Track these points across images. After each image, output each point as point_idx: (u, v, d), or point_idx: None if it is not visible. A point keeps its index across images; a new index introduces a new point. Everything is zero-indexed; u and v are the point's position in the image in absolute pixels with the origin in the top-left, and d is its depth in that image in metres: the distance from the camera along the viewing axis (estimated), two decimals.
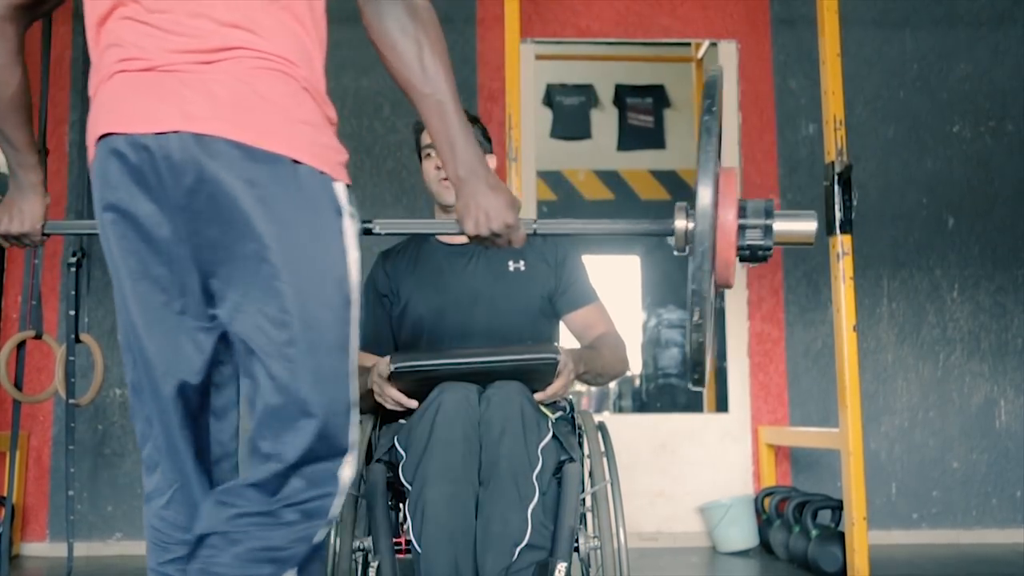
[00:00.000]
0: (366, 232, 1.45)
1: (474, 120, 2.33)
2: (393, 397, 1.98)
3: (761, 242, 1.45)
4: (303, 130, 1.28)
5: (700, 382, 1.44)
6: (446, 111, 1.39)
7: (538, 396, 1.92)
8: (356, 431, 1.30)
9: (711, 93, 1.33)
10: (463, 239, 2.22)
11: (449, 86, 1.39)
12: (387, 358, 1.96)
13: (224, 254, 1.24)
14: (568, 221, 1.73)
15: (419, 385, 1.93)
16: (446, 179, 2.22)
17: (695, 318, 1.33)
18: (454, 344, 2.15)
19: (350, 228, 1.30)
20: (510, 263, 2.21)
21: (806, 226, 1.48)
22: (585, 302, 2.24)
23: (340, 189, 1.30)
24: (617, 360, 2.20)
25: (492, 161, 2.29)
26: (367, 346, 2.18)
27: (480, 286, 2.18)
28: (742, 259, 1.47)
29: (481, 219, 1.45)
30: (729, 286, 1.48)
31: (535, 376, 1.91)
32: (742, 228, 1.44)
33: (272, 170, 1.23)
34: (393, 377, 1.94)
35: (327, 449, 1.25)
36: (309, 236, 1.25)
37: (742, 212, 1.44)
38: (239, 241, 1.23)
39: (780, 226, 1.45)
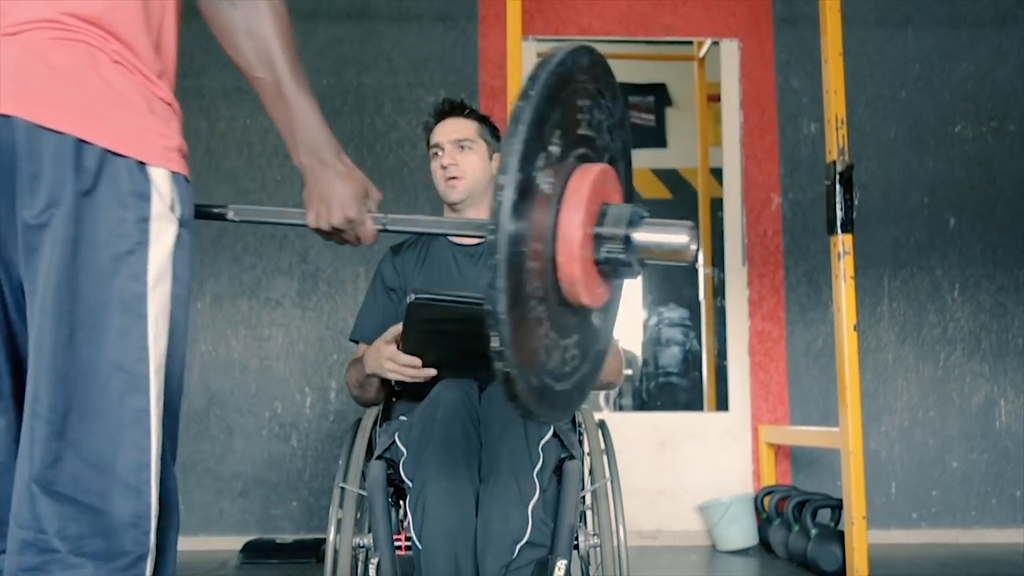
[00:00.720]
0: (219, 218, 1.34)
1: (483, 118, 2.33)
2: (399, 360, 1.96)
3: (621, 256, 1.22)
4: (100, 106, 1.12)
5: (527, 414, 1.20)
6: (283, 92, 1.25)
7: None
8: None
9: (534, 75, 1.12)
10: (474, 240, 2.24)
11: (286, 64, 1.24)
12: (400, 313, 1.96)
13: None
14: (418, 218, 1.74)
15: (436, 334, 1.92)
16: (452, 178, 2.24)
17: (493, 343, 1.08)
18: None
19: (162, 220, 1.15)
20: None
21: (673, 238, 1.24)
22: None
23: (159, 176, 1.15)
24: (615, 371, 2.19)
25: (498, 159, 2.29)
26: (372, 339, 2.19)
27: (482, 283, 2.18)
28: (605, 275, 1.25)
29: (322, 211, 1.32)
30: (590, 305, 1.24)
31: None
32: (599, 238, 1.21)
33: (55, 150, 1.09)
34: (410, 318, 1.90)
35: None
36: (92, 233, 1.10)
37: (601, 219, 1.22)
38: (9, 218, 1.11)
39: (643, 237, 1.22)
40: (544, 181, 1.15)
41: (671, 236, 1.24)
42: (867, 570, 3.06)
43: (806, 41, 4.23)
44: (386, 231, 1.40)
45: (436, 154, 2.29)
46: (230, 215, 1.36)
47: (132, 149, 1.13)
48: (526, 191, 1.11)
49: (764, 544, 3.81)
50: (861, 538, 3.06)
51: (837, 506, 3.43)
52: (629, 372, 6.78)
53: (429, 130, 2.32)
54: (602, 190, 1.23)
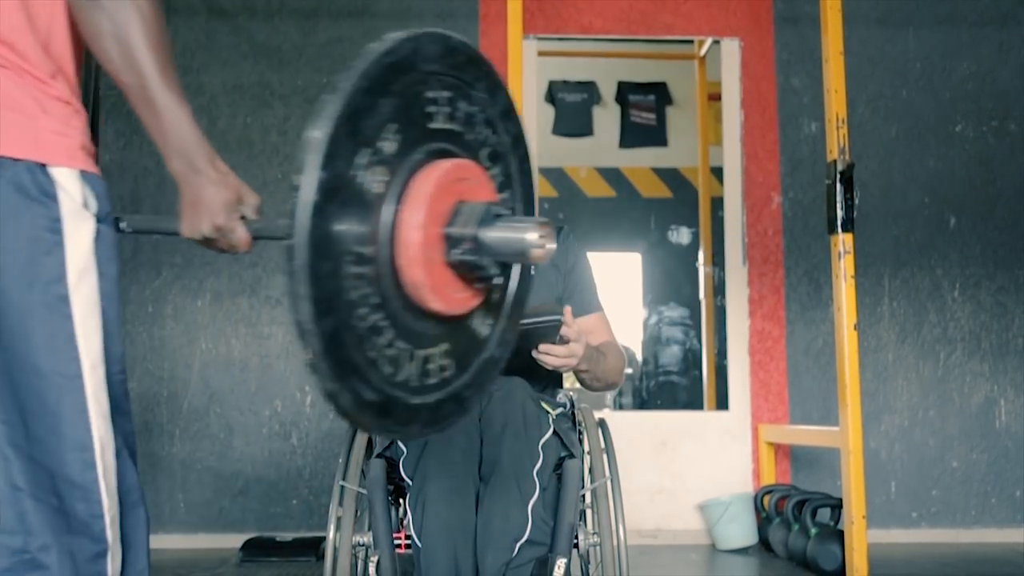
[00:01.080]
0: (116, 229, 1.29)
1: None
2: None
3: (472, 258, 1.13)
4: None
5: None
6: (150, 96, 1.19)
7: (543, 350, 1.90)
8: None
9: (350, 67, 1.04)
10: None
11: (153, 67, 1.18)
12: None
13: None
14: (283, 222, 1.60)
15: None
16: None
17: (307, 355, 1.00)
18: None
19: (76, 219, 1.12)
20: None
21: (518, 236, 1.14)
22: (589, 311, 2.22)
23: (63, 175, 1.12)
24: (617, 370, 2.18)
25: None
26: None
27: None
28: (469, 279, 1.16)
29: (193, 219, 1.25)
30: (446, 312, 1.15)
31: (541, 338, 1.87)
32: (450, 239, 1.12)
33: None
34: None
35: None
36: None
37: (453, 219, 1.13)
38: None
39: (491, 236, 1.13)
40: (372, 180, 1.07)
41: (517, 233, 1.14)
42: (867, 569, 3.06)
43: (807, 40, 4.23)
44: (259, 238, 1.31)
45: None
46: (122, 226, 1.31)
47: (29, 152, 1.11)
48: (339, 191, 1.03)
49: (764, 543, 3.81)
50: (861, 537, 3.06)
51: (837, 505, 3.43)
52: (630, 371, 6.77)
53: None
54: (457, 188, 1.14)
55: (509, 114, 1.30)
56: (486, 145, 1.26)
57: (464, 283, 1.16)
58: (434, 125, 1.16)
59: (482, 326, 1.27)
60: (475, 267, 1.14)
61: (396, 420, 1.13)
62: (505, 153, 1.30)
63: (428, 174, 1.11)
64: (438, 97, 1.16)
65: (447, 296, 1.14)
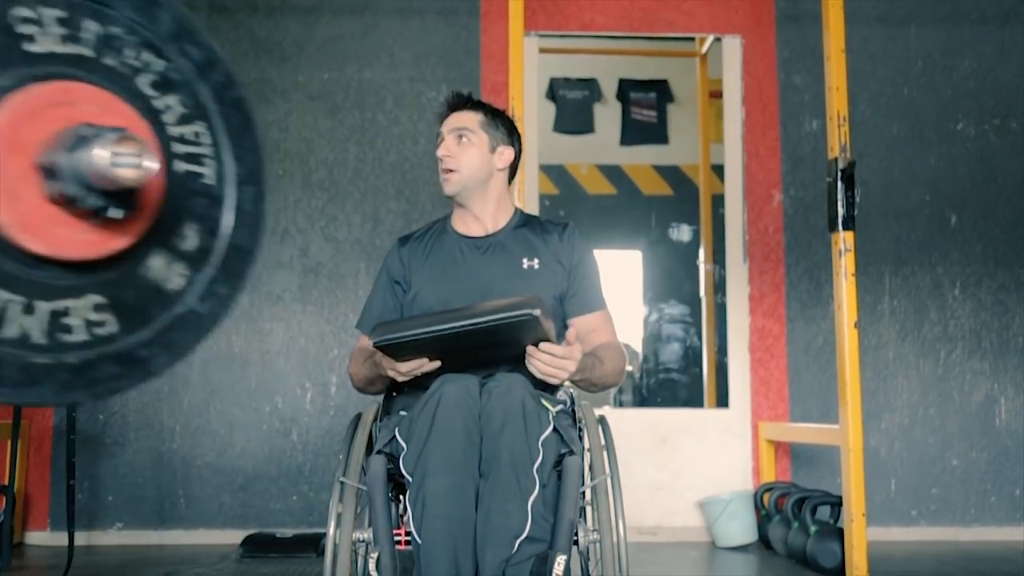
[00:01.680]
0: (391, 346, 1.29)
1: (490, 110, 2.30)
2: (401, 371, 1.97)
3: (71, 191, 1.01)
4: None
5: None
6: None
7: (531, 352, 1.91)
8: None
9: None
10: (481, 231, 2.23)
11: None
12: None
13: None
14: None
15: (416, 350, 1.93)
16: (447, 170, 2.22)
17: None
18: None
19: None
20: (524, 261, 2.21)
21: (90, 155, 0.99)
22: (592, 308, 2.22)
23: None
24: (615, 372, 2.18)
25: (509, 153, 2.27)
26: (367, 327, 2.23)
27: (492, 280, 2.16)
28: (80, 216, 1.03)
29: None
30: (55, 255, 1.02)
31: (519, 332, 1.88)
32: (45, 170, 1.01)
33: None
34: (382, 352, 1.94)
35: None
36: None
37: (50, 147, 1.01)
38: None
39: (71, 160, 0.99)
40: None
41: (88, 153, 0.99)
42: (866, 567, 3.06)
43: (808, 38, 4.23)
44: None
45: (440, 141, 2.27)
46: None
47: None
48: None
49: (763, 541, 3.81)
50: (860, 535, 3.06)
51: (837, 503, 3.43)
52: (631, 368, 6.78)
53: (442, 119, 2.31)
54: (60, 113, 1.01)
55: (183, 36, 1.15)
56: (146, 72, 1.13)
57: (82, 221, 1.02)
58: (34, 48, 1.03)
59: (168, 276, 1.13)
60: (74, 200, 1.00)
61: (18, 383, 1.00)
62: (185, 81, 1.17)
63: (14, 101, 1.00)
64: (36, 16, 1.03)
65: (51, 237, 1.00)
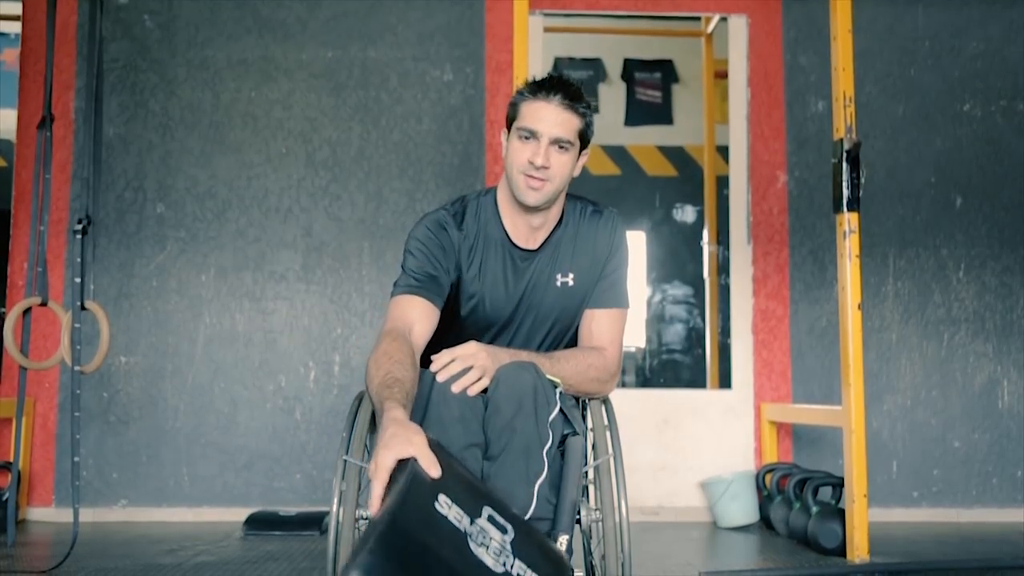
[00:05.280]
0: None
1: (589, 115, 2.03)
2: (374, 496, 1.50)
3: None
4: None
5: None
6: None
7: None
8: None
9: None
10: (532, 243, 2.05)
11: None
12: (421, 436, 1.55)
13: None
14: None
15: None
16: (538, 177, 1.96)
17: None
18: (498, 337, 2.09)
19: None
20: (559, 277, 2.08)
21: None
22: (600, 304, 2.11)
23: None
24: (585, 379, 2.00)
25: (583, 160, 2.07)
26: (419, 290, 1.98)
27: (529, 292, 2.09)
28: None
29: None
30: None
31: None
32: None
33: None
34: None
35: None
36: None
37: None
38: None
39: None
40: None
41: None
42: (867, 547, 3.07)
43: (815, 17, 4.20)
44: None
45: (526, 139, 1.98)
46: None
47: None
48: None
49: (765, 521, 3.83)
50: (862, 516, 3.07)
51: (838, 484, 3.44)
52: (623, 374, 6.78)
53: (522, 99, 2.00)
54: None
55: None
56: None
57: None
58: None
59: None
60: None
61: None
62: None
63: None
64: None
65: None
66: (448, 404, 1.78)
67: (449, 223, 2.05)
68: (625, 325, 2.15)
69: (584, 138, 2.03)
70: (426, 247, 2.02)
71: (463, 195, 2.14)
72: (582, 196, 2.19)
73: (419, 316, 1.96)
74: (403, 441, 1.50)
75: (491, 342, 2.07)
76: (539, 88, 1.98)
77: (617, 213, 2.16)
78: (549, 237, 2.10)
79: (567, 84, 1.99)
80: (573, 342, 2.15)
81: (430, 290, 1.99)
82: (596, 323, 2.10)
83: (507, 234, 2.07)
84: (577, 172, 2.07)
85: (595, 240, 2.11)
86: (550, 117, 1.96)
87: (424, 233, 2.04)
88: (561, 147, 1.98)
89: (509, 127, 2.04)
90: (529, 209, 2.02)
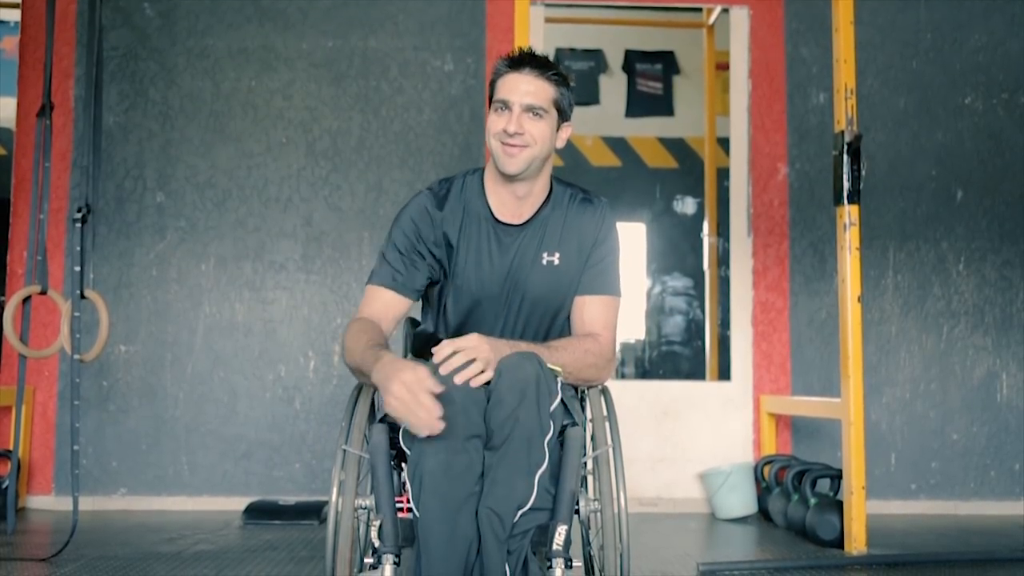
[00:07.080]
0: None
1: (564, 82, 2.05)
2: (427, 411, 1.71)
3: None
4: None
5: None
6: None
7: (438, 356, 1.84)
8: None
9: None
10: (516, 218, 2.07)
11: None
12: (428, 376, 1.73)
13: None
14: None
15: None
16: (513, 143, 2.00)
17: None
18: (486, 320, 2.09)
19: None
20: (544, 255, 2.09)
21: None
22: (592, 291, 2.11)
23: None
24: (581, 366, 2.03)
25: (567, 132, 2.09)
26: (393, 284, 2.05)
27: (515, 269, 2.09)
28: None
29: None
30: None
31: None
32: None
33: None
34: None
35: None
36: None
37: None
38: None
39: None
40: None
41: None
42: (865, 539, 3.08)
43: (817, 9, 4.19)
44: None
45: (498, 110, 2.03)
46: None
47: None
48: None
49: (763, 513, 3.84)
50: (860, 508, 3.08)
51: (837, 476, 3.44)
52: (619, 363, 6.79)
53: (497, 76, 2.05)
54: None
55: None
56: None
57: None
58: None
59: None
60: None
61: None
62: None
63: None
64: None
65: None
66: (451, 395, 1.78)
67: (431, 205, 2.10)
68: (618, 314, 2.15)
69: (560, 107, 2.05)
70: (407, 238, 2.09)
71: (453, 175, 2.18)
72: (574, 183, 2.21)
73: (390, 310, 2.07)
74: (415, 366, 1.74)
75: (481, 320, 2.09)
76: (511, 62, 2.05)
77: (608, 203, 2.17)
78: (536, 215, 2.11)
79: (537, 56, 2.05)
80: (566, 330, 2.15)
81: (404, 285, 2.07)
82: (588, 310, 2.11)
83: (491, 211, 2.10)
84: (560, 144, 2.10)
85: (583, 225, 2.12)
86: (521, 87, 2.01)
87: (406, 222, 2.10)
88: (535, 114, 2.01)
89: (489, 103, 2.11)
90: (511, 178, 2.05)
